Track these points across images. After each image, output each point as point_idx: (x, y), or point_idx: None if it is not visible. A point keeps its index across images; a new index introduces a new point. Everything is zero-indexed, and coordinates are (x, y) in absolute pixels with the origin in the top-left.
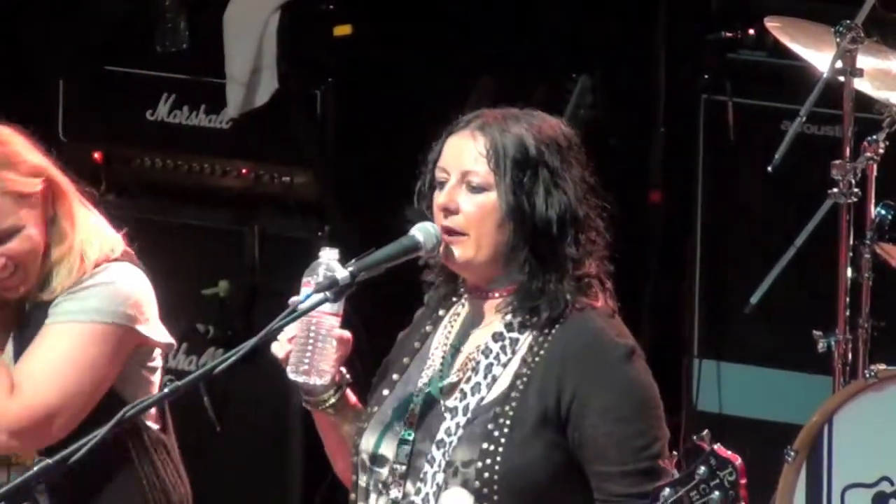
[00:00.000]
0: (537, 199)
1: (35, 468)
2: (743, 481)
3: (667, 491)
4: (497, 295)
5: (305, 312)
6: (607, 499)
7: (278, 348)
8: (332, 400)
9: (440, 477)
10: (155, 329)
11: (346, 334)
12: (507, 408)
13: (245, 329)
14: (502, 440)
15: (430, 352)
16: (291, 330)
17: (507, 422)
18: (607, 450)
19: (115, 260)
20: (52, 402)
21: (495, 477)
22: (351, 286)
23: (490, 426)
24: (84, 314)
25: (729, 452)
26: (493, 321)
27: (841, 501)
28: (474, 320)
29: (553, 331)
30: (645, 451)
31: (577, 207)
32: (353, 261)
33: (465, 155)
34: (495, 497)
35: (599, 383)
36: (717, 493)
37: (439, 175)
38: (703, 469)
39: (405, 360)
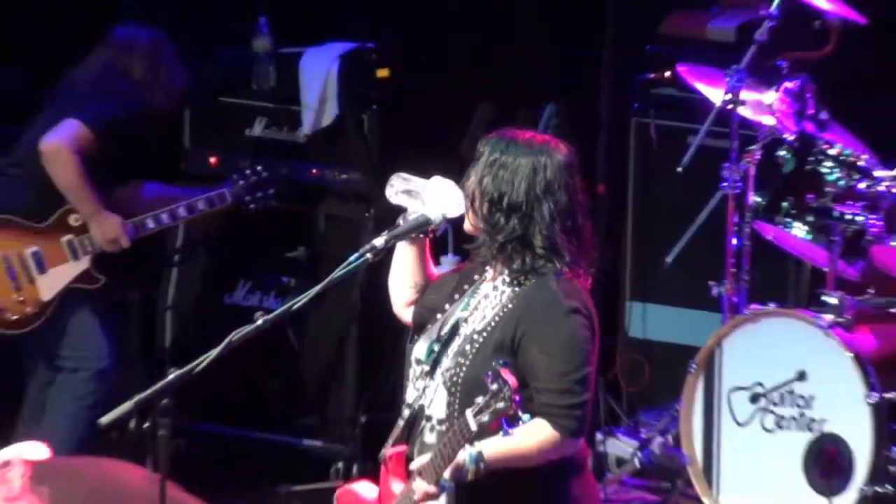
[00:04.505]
0: (488, 183)
1: (166, 379)
2: (517, 398)
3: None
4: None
5: (355, 268)
6: (537, 407)
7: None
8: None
9: (439, 379)
10: None
11: None
12: (481, 336)
13: (315, 282)
14: (470, 356)
15: (474, 291)
16: None
17: (477, 345)
18: (540, 372)
19: None
20: None
21: (458, 381)
22: (384, 250)
23: (467, 346)
24: None
25: (509, 375)
26: (497, 276)
27: (728, 400)
28: (494, 273)
29: (524, 288)
30: (567, 377)
31: (517, 192)
32: (385, 231)
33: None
34: (458, 393)
35: (543, 328)
36: (501, 404)
37: None
38: (495, 385)
39: (456, 295)
